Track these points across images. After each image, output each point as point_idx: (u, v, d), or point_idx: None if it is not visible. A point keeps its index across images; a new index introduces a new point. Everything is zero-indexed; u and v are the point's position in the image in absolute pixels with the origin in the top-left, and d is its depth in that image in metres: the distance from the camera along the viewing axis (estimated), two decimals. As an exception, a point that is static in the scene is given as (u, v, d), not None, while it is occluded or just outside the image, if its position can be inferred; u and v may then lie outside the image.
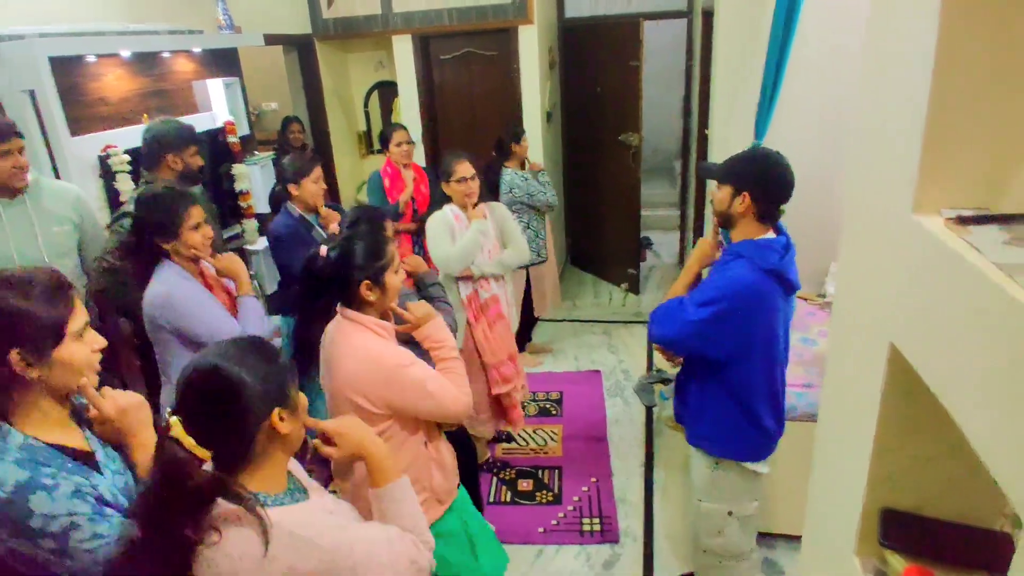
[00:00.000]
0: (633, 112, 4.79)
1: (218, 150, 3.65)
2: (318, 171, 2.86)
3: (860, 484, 1.11)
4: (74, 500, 1.14)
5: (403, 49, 4.72)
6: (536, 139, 4.68)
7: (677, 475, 3.15)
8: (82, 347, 1.24)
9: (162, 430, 1.07)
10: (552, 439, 3.50)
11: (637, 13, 5.49)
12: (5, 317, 1.15)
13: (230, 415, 1.08)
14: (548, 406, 3.81)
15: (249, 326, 2.11)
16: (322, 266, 1.67)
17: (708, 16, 4.09)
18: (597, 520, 2.90)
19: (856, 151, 1.20)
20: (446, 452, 1.87)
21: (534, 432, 3.56)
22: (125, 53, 3.06)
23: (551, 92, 5.18)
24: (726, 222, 1.93)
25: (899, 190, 0.94)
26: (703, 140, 4.34)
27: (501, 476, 3.22)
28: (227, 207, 3.71)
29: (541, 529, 2.87)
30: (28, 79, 2.55)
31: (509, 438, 3.48)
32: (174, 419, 1.06)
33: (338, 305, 1.73)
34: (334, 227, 2.80)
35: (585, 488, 3.11)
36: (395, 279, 1.71)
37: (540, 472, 3.24)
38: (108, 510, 1.18)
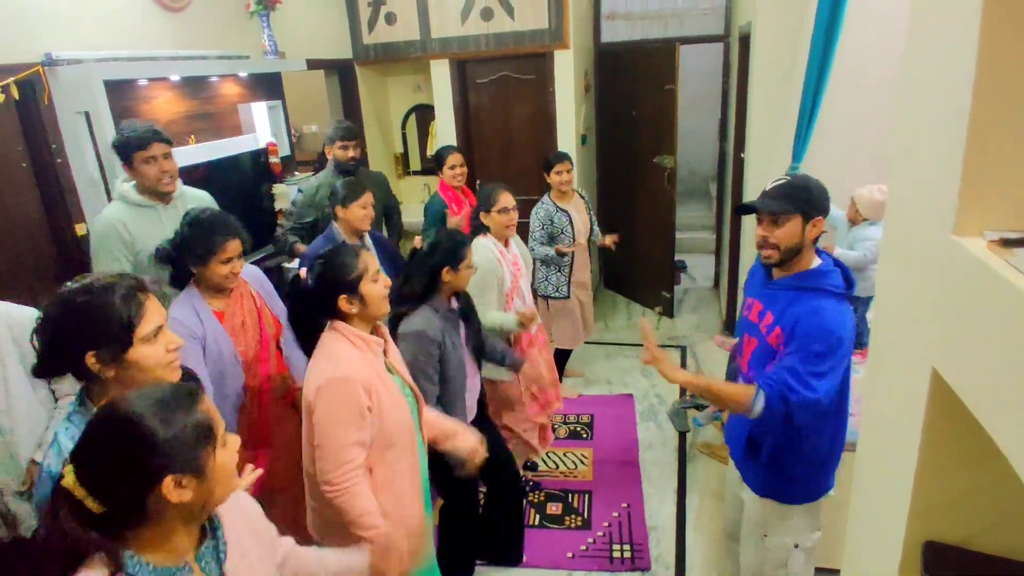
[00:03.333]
0: (668, 135, 4.78)
1: (260, 170, 3.77)
2: (368, 197, 2.79)
3: (901, 516, 1.07)
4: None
5: (440, 73, 4.81)
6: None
7: (710, 502, 3.07)
8: (154, 348, 1.32)
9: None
10: (582, 462, 3.46)
11: (673, 37, 5.52)
12: (79, 323, 1.25)
13: (125, 468, 0.98)
14: (579, 429, 3.77)
15: None
16: (303, 288, 1.76)
17: (745, 40, 4.09)
18: (628, 546, 2.85)
19: (895, 172, 1.18)
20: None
21: (564, 455, 3.53)
22: (175, 77, 3.18)
23: (586, 115, 5.21)
24: (791, 256, 1.78)
25: (939, 211, 0.92)
26: (739, 163, 4.31)
27: (530, 499, 3.19)
28: (267, 226, 3.80)
29: (570, 554, 2.82)
30: (84, 101, 2.66)
31: (534, 466, 3.43)
32: (69, 467, 0.98)
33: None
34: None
35: (616, 513, 3.06)
36: (373, 288, 1.74)
37: (569, 496, 3.20)
38: None
